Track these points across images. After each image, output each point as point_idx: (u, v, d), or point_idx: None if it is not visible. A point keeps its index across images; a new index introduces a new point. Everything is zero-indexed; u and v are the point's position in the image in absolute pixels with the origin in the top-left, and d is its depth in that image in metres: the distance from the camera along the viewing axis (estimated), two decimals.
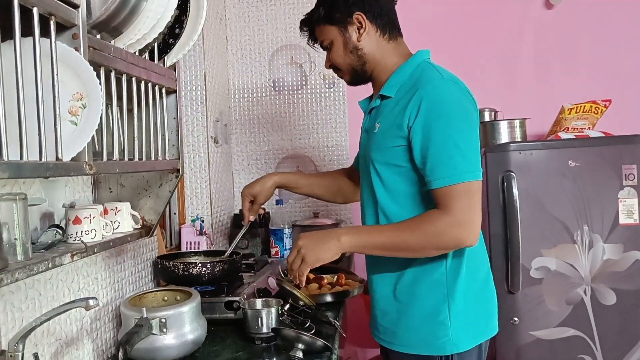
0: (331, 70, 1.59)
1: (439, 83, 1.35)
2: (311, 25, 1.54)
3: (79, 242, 1.24)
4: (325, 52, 1.57)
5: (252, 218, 1.75)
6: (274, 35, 2.98)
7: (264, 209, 2.82)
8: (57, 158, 0.94)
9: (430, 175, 1.31)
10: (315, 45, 1.58)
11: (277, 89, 2.99)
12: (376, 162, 1.43)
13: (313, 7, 1.55)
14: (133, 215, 1.49)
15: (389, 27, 1.48)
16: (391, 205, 1.42)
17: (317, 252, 1.38)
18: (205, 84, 2.53)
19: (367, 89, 1.61)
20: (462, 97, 1.35)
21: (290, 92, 2.99)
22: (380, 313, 1.51)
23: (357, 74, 1.52)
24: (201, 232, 2.31)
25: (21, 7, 0.86)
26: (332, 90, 2.94)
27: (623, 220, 2.26)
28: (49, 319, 1.10)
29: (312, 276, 2.09)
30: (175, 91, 1.50)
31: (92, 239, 1.29)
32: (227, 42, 2.99)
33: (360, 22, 1.45)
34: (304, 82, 2.97)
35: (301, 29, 1.58)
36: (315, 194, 1.86)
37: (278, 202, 2.68)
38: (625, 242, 2.26)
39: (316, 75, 2.95)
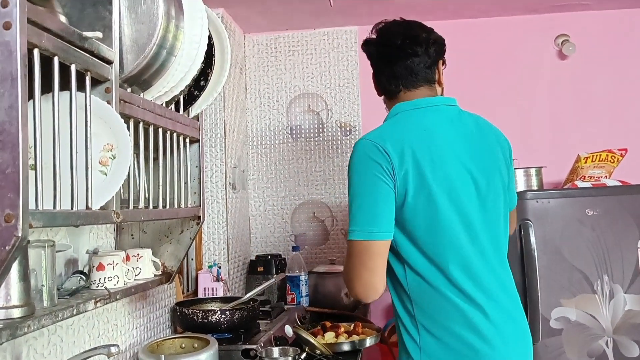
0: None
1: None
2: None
3: (103, 288, 1.26)
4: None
5: None
6: (291, 83, 3.05)
7: (280, 254, 2.84)
8: (87, 207, 0.97)
9: None
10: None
11: (294, 136, 3.04)
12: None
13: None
14: (154, 262, 1.51)
15: (388, 93, 1.55)
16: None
17: None
18: (224, 131, 2.59)
19: None
20: (363, 152, 1.38)
21: (307, 139, 3.03)
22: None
23: None
24: (218, 278, 2.32)
25: (60, 63, 0.91)
26: (348, 137, 2.98)
27: None
28: None
29: (329, 324, 2.08)
30: (198, 140, 1.55)
31: (115, 285, 1.31)
32: (246, 90, 3.07)
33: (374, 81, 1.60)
34: (320, 130, 3.02)
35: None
36: None
37: (295, 248, 2.68)
38: None
39: (332, 123, 3.01)
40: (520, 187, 2.49)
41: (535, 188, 2.50)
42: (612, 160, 2.46)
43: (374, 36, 1.54)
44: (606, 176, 2.48)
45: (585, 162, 2.46)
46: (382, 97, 1.59)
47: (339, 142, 3.00)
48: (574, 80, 2.90)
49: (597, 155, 2.46)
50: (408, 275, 1.37)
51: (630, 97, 2.86)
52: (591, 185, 2.37)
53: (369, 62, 1.58)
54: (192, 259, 2.42)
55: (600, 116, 2.87)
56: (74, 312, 1.08)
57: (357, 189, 1.36)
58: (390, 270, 1.40)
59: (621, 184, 2.37)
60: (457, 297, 1.33)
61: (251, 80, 3.07)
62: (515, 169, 2.54)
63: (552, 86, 2.92)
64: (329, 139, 3.02)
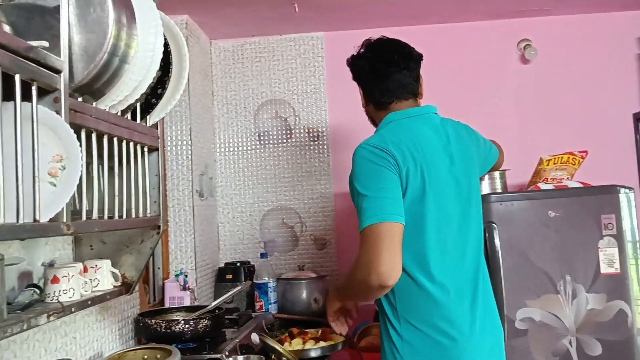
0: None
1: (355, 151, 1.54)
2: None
3: (56, 301, 1.23)
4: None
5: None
6: (259, 90, 3.05)
7: (248, 261, 2.82)
8: (34, 219, 0.95)
9: None
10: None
11: (262, 142, 3.03)
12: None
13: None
14: (113, 273, 1.49)
15: (378, 103, 1.67)
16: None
17: (328, 310, 1.68)
18: (190, 139, 2.57)
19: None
20: (364, 155, 1.50)
21: (275, 145, 3.03)
22: None
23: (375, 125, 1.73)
24: (185, 287, 2.29)
25: (3, 73, 0.89)
26: (316, 143, 2.99)
27: (604, 269, 2.27)
28: None
29: (296, 331, 2.07)
30: (157, 149, 1.53)
31: (70, 298, 1.28)
32: (213, 97, 3.05)
33: (361, 93, 1.73)
34: (288, 135, 3.02)
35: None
36: None
37: (263, 255, 2.67)
38: (608, 291, 2.27)
39: (300, 129, 3.01)
40: (485, 190, 2.52)
41: (500, 191, 2.53)
42: (573, 163, 2.51)
43: (364, 51, 1.69)
44: (568, 178, 2.52)
45: (548, 165, 2.50)
46: (368, 107, 1.72)
47: (307, 148, 3.00)
48: (536, 84, 2.96)
49: (558, 157, 2.50)
50: None
51: (590, 99, 2.93)
52: (553, 188, 2.42)
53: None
54: (158, 268, 2.39)
55: (562, 119, 2.93)
56: (25, 327, 1.06)
57: (366, 182, 1.46)
58: None
59: (582, 186, 2.42)
60: (436, 292, 1.47)
61: (218, 87, 3.06)
62: None
63: (515, 90, 2.97)
64: (297, 144, 3.02)
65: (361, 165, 1.49)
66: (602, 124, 2.91)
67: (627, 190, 2.33)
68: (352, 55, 1.72)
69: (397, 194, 1.45)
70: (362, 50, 1.70)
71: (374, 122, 1.74)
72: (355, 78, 1.73)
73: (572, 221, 2.30)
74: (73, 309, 1.25)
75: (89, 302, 1.33)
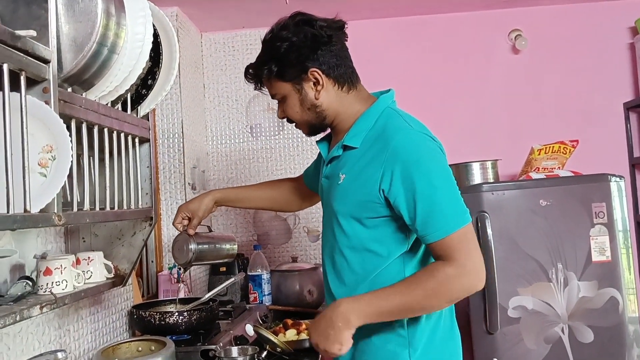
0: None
1: (410, 137, 1.30)
2: (260, 78, 1.45)
3: (49, 293, 1.23)
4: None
5: (191, 232, 1.64)
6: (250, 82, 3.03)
7: (242, 253, 2.82)
8: (25, 210, 0.95)
9: (423, 230, 1.27)
10: (263, 90, 1.49)
11: (254, 134, 3.03)
12: (339, 214, 1.38)
13: (259, 57, 1.44)
14: (106, 265, 1.48)
15: (347, 76, 1.40)
16: (352, 254, 1.38)
17: (332, 341, 1.29)
18: (182, 131, 2.56)
19: None
20: (433, 146, 1.32)
21: (268, 138, 3.02)
22: None
23: (315, 128, 1.46)
24: (179, 280, 2.29)
25: None
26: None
27: (595, 257, 2.29)
28: None
29: (290, 322, 2.08)
30: (148, 140, 1.52)
31: (63, 290, 1.28)
32: (204, 89, 3.04)
33: (316, 78, 1.36)
34: (280, 128, 3.01)
35: (246, 77, 1.48)
36: (260, 207, 1.86)
37: (256, 247, 2.67)
38: (599, 279, 2.29)
39: None
40: (477, 179, 2.54)
41: (491, 180, 2.55)
42: (564, 152, 2.52)
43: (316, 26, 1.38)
44: (559, 167, 2.54)
45: (539, 154, 2.51)
46: (328, 92, 1.39)
47: (300, 140, 3.00)
48: (527, 74, 2.97)
49: (549, 147, 2.52)
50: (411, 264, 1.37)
51: (582, 89, 2.94)
52: (545, 177, 2.43)
53: None
54: (152, 261, 2.39)
55: (553, 109, 2.94)
56: (17, 319, 1.05)
57: (446, 181, 1.29)
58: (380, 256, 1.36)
59: (573, 175, 2.44)
60: None
61: (209, 79, 3.04)
62: (471, 162, 2.59)
63: (506, 80, 2.98)
64: (289, 137, 3.02)
65: (436, 157, 1.31)
66: (593, 113, 2.92)
67: (618, 179, 2.35)
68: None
69: None
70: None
71: (325, 118, 1.42)
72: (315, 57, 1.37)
73: (564, 210, 2.31)
74: (66, 301, 1.25)
75: (82, 294, 1.33)
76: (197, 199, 1.70)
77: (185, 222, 1.67)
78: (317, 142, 1.55)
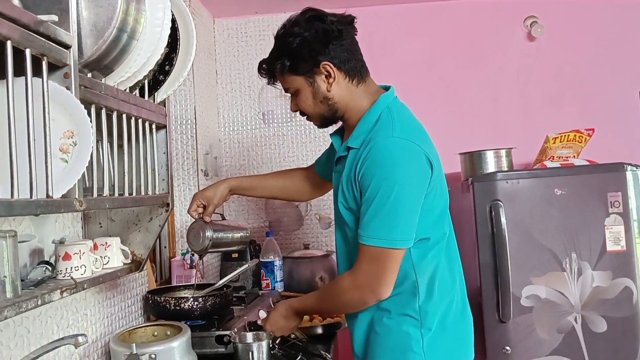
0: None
1: (385, 142, 1.33)
2: (272, 74, 1.50)
3: (69, 278, 1.24)
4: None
5: (207, 219, 1.68)
6: None
7: (254, 240, 2.83)
8: (47, 195, 0.95)
9: (360, 229, 1.35)
10: (277, 83, 1.53)
11: (266, 121, 3.02)
12: (341, 208, 1.46)
13: (272, 52, 1.48)
14: (123, 250, 1.49)
15: (357, 69, 1.44)
16: (354, 244, 1.43)
17: (282, 330, 1.61)
18: (195, 118, 2.56)
19: None
20: (409, 155, 1.33)
21: (280, 125, 3.02)
22: (357, 343, 1.52)
23: (327, 120, 1.51)
24: (192, 266, 2.30)
25: (14, 48, 0.88)
26: None
27: (610, 247, 2.28)
28: (37, 357, 1.10)
29: None
30: (165, 126, 1.52)
31: (82, 274, 1.28)
32: (217, 76, 3.03)
33: (328, 72, 1.41)
34: (292, 115, 3.00)
35: (260, 72, 1.52)
36: (273, 196, 1.89)
37: (268, 233, 2.68)
38: (613, 269, 2.28)
39: None
40: (491, 168, 2.52)
41: (505, 169, 2.53)
42: (579, 140, 2.50)
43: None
44: (574, 156, 2.52)
45: (554, 143, 2.49)
46: (339, 85, 1.43)
47: (312, 127, 2.99)
48: (542, 62, 2.94)
49: (565, 135, 2.50)
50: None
51: (597, 77, 2.91)
52: (559, 165, 2.41)
53: None
54: (165, 247, 2.40)
55: (568, 97, 2.92)
56: (39, 303, 1.06)
57: (403, 197, 1.30)
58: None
59: (588, 163, 2.42)
60: None
61: (222, 65, 3.04)
62: (485, 150, 2.57)
63: (521, 68, 2.95)
64: (301, 124, 3.01)
65: (409, 169, 1.32)
66: (608, 101, 2.89)
67: (634, 168, 2.33)
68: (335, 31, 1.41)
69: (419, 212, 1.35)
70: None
71: (337, 111, 1.47)
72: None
73: (578, 199, 2.30)
74: (85, 286, 1.26)
75: (101, 279, 1.34)
76: (213, 187, 1.72)
77: (200, 209, 1.70)
78: (330, 134, 1.60)
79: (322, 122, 1.52)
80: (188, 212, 1.70)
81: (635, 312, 2.27)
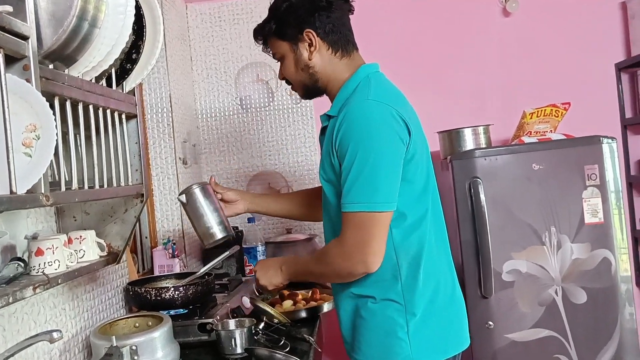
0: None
1: (359, 105, 1.33)
2: (263, 36, 1.54)
3: (42, 274, 1.22)
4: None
5: (212, 180, 1.77)
6: (238, 53, 2.99)
7: (236, 226, 2.81)
8: (11, 191, 0.93)
9: (343, 197, 1.33)
10: (269, 52, 1.56)
11: (244, 107, 3.00)
12: (322, 180, 1.45)
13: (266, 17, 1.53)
14: (98, 243, 1.47)
15: (342, 43, 1.46)
16: (337, 220, 1.41)
17: (268, 278, 1.61)
18: (171, 105, 2.53)
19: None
20: (384, 118, 1.31)
21: (258, 110, 2.99)
22: (344, 328, 1.51)
23: (309, 90, 1.52)
24: (173, 255, 2.29)
25: None
26: (299, 105, 2.95)
27: (588, 219, 2.30)
28: (12, 355, 1.08)
29: (286, 292, 2.09)
30: (135, 116, 1.50)
31: (56, 270, 1.27)
32: (192, 62, 2.99)
33: (310, 40, 1.43)
34: (271, 99, 2.98)
35: (255, 38, 1.57)
36: (287, 216, 1.89)
37: (250, 220, 2.67)
38: (592, 241, 2.31)
39: (283, 92, 2.97)
40: (469, 145, 2.53)
41: (484, 146, 2.54)
42: (556, 115, 2.51)
43: None
44: (551, 130, 2.53)
45: (531, 118, 2.50)
46: (322, 55, 1.45)
47: (291, 111, 2.97)
48: (518, 37, 2.94)
49: (541, 110, 2.51)
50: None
51: (573, 50, 2.92)
52: (537, 140, 2.42)
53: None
54: (146, 237, 2.38)
55: (544, 71, 2.92)
56: (10, 300, 1.05)
57: (382, 159, 1.28)
58: None
59: (565, 137, 2.43)
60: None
61: (196, 51, 2.99)
62: (463, 128, 2.57)
63: (497, 44, 2.95)
64: (280, 108, 2.99)
65: (381, 131, 1.30)
66: (584, 75, 2.91)
67: (610, 141, 2.34)
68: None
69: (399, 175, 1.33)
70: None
71: (317, 80, 1.48)
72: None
73: (556, 173, 2.32)
74: (59, 281, 1.24)
75: (76, 273, 1.32)
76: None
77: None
78: (320, 116, 1.57)
79: (305, 91, 1.54)
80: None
81: (614, 282, 2.31)
